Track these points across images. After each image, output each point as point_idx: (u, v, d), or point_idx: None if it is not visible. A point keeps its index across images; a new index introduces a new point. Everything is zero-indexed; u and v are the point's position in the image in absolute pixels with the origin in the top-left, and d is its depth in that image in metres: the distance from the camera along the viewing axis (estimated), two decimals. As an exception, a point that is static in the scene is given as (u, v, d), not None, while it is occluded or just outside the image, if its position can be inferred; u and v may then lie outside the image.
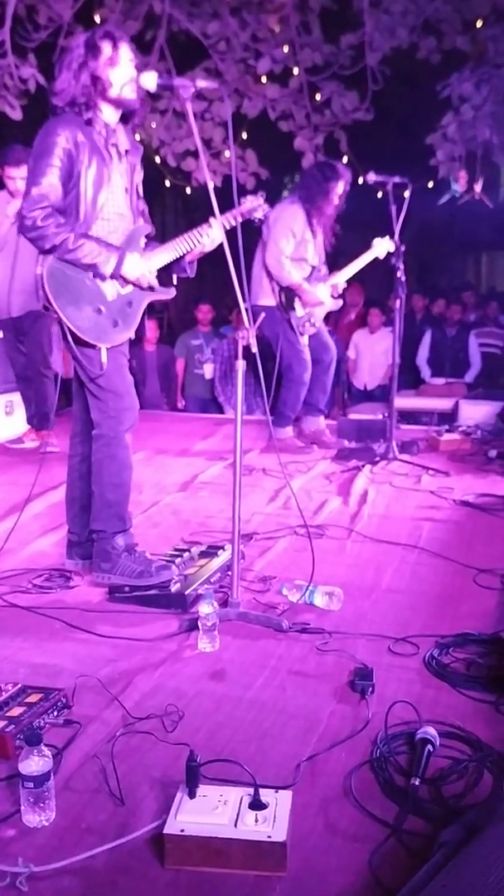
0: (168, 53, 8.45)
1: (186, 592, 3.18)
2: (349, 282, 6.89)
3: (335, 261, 6.24)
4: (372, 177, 5.63)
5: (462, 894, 1.23)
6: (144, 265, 3.27)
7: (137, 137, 8.56)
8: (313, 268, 5.97)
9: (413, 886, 1.45)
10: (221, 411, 8.39)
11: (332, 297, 6.04)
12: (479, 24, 8.21)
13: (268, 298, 5.89)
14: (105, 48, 3.14)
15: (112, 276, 3.20)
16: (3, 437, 6.33)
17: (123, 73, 3.18)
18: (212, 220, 3.30)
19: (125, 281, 3.26)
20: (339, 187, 5.80)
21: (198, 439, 6.51)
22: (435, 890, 1.36)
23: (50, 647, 2.85)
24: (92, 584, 3.41)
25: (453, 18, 8.21)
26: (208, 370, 8.63)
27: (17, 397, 6.45)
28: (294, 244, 5.81)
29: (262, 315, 3.08)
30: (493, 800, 1.73)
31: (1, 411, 6.45)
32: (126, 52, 3.17)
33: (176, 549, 3.61)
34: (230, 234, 3.28)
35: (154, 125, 8.75)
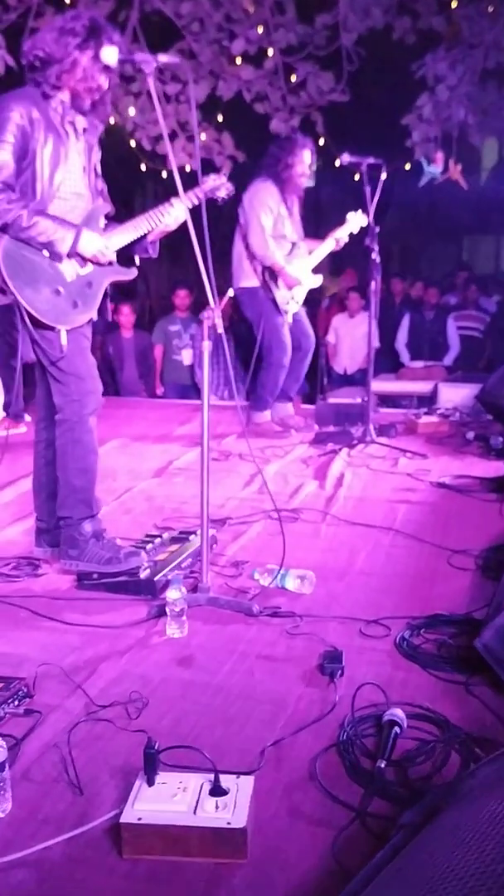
0: (141, 34, 8.35)
1: (156, 578, 3.13)
2: (344, 267, 6.83)
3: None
4: (346, 157, 5.59)
5: (418, 876, 1.19)
6: (102, 241, 3.20)
7: (112, 121, 8.56)
8: (293, 244, 5.91)
9: (371, 869, 1.41)
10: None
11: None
12: (453, 4, 8.16)
13: (249, 280, 5.84)
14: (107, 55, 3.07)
15: (69, 255, 3.13)
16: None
17: (90, 79, 3.11)
18: (174, 199, 3.24)
19: (83, 259, 3.19)
20: (303, 157, 5.77)
21: (175, 425, 6.45)
22: (391, 872, 1.32)
23: (14, 637, 2.80)
24: (60, 571, 3.36)
25: (428, -2, 8.16)
26: (187, 356, 8.56)
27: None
28: (273, 220, 5.76)
29: (228, 294, 3.02)
30: (454, 782, 1.69)
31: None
32: (108, 55, 3.09)
33: (147, 536, 3.56)
34: (196, 214, 3.22)
35: (130, 110, 8.65)
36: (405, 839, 1.45)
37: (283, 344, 5.90)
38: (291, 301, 5.90)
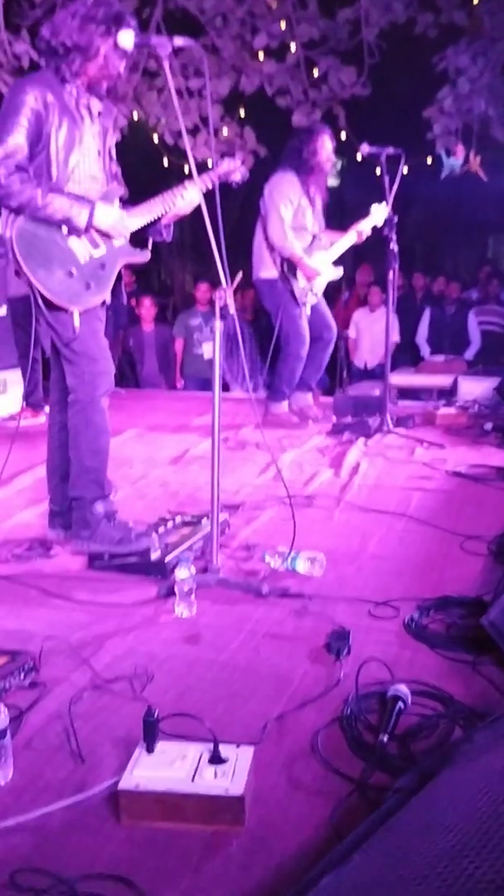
0: (164, 30, 8.36)
1: (167, 559, 3.13)
2: (359, 262, 6.78)
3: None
4: (365, 148, 5.59)
5: (410, 831, 1.18)
6: (117, 213, 3.21)
7: (135, 116, 8.58)
8: (314, 236, 5.91)
9: (363, 829, 1.41)
10: (227, 389, 8.34)
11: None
12: (475, -2, 8.12)
13: (269, 271, 5.85)
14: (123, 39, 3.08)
15: (86, 229, 3.14)
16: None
17: (110, 66, 3.12)
18: (187, 182, 3.25)
19: (99, 232, 3.20)
20: (325, 143, 5.77)
21: (193, 416, 6.46)
22: (384, 831, 1.31)
23: (24, 614, 2.81)
24: (72, 552, 3.37)
25: (450, -8, 8.12)
26: (207, 350, 8.56)
27: (10, 375, 6.42)
28: (293, 211, 5.75)
29: (240, 274, 3.02)
30: (450, 746, 1.68)
31: (-5, 389, 6.42)
32: (124, 39, 3.08)
33: (160, 519, 3.56)
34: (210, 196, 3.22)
35: (153, 105, 8.68)
36: (399, 802, 1.44)
37: (301, 335, 5.89)
38: (310, 293, 5.89)
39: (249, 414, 5.98)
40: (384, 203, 5.79)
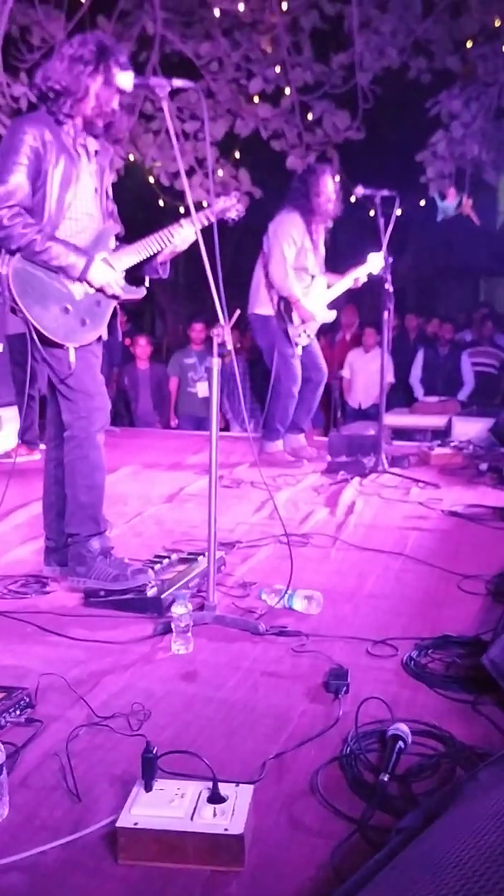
0: (160, 74, 8.49)
1: (163, 596, 3.11)
2: (345, 303, 6.83)
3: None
4: (360, 190, 5.65)
5: (417, 870, 1.16)
6: (112, 273, 3.24)
7: (131, 157, 8.69)
8: (313, 277, 5.95)
9: (367, 869, 1.38)
10: (227, 428, 8.36)
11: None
12: (468, 44, 8.27)
13: (265, 307, 5.89)
14: (114, 77, 3.12)
15: (79, 279, 3.17)
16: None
17: (103, 103, 3.15)
18: (183, 220, 3.28)
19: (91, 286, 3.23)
20: (327, 183, 5.82)
21: (188, 454, 6.46)
22: (389, 871, 1.29)
23: (19, 650, 2.79)
24: (68, 589, 3.35)
25: (443, 38, 8.28)
26: (202, 388, 8.59)
27: (6, 413, 6.42)
28: (295, 251, 5.80)
29: (237, 312, 3.03)
30: (454, 786, 1.66)
31: (-10, 426, 6.41)
32: (123, 80, 3.12)
33: (156, 556, 3.55)
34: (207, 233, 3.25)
35: (149, 146, 8.79)
36: (403, 842, 1.42)
37: (293, 374, 5.92)
38: (303, 334, 5.93)
39: (245, 452, 6.00)
40: (381, 252, 5.81)
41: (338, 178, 8.50)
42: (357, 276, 6.01)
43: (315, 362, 6.12)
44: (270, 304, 5.86)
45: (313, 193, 5.79)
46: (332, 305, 6.15)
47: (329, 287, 6.04)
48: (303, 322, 5.88)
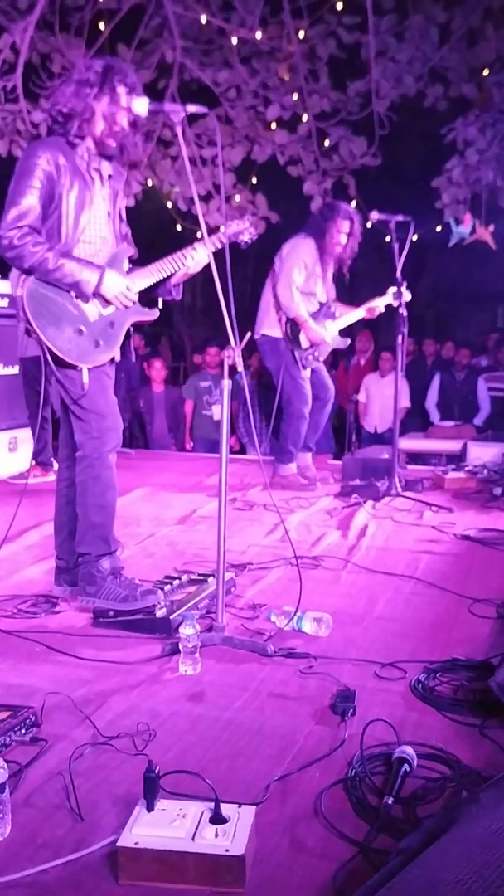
0: (179, 101, 8.59)
1: (171, 617, 3.11)
2: (360, 328, 6.85)
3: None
4: (375, 215, 5.67)
5: (414, 886, 1.15)
6: (124, 283, 3.26)
7: (149, 183, 8.78)
8: (321, 304, 5.97)
9: (365, 890, 1.37)
10: (243, 451, 8.37)
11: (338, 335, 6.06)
12: (485, 72, 8.32)
13: (273, 329, 5.92)
14: (120, 97, 3.17)
15: (94, 294, 3.20)
16: (6, 472, 6.32)
17: (111, 123, 3.20)
18: (197, 243, 3.31)
19: (104, 300, 3.25)
20: (343, 226, 5.81)
21: (202, 476, 6.47)
22: (385, 893, 1.28)
23: (27, 669, 2.79)
24: (78, 609, 3.35)
25: (459, 66, 8.33)
26: (217, 412, 8.60)
27: (21, 434, 6.46)
28: (305, 276, 5.83)
29: (248, 335, 3.05)
30: (455, 806, 1.65)
31: (4, 448, 6.45)
32: (139, 105, 3.16)
33: (166, 577, 3.55)
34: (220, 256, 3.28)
35: (167, 172, 8.88)
36: (403, 863, 1.41)
37: (304, 395, 5.94)
38: (311, 357, 5.94)
39: (258, 475, 6.00)
40: (402, 288, 5.78)
41: (354, 203, 8.60)
42: (373, 306, 6.02)
43: (322, 381, 6.13)
44: (279, 326, 5.88)
45: (327, 229, 5.80)
46: (346, 332, 6.17)
47: (342, 315, 6.06)
48: (312, 345, 5.89)
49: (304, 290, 5.87)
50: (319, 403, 6.11)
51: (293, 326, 5.83)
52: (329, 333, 5.97)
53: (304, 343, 5.87)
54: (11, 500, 5.41)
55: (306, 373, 5.96)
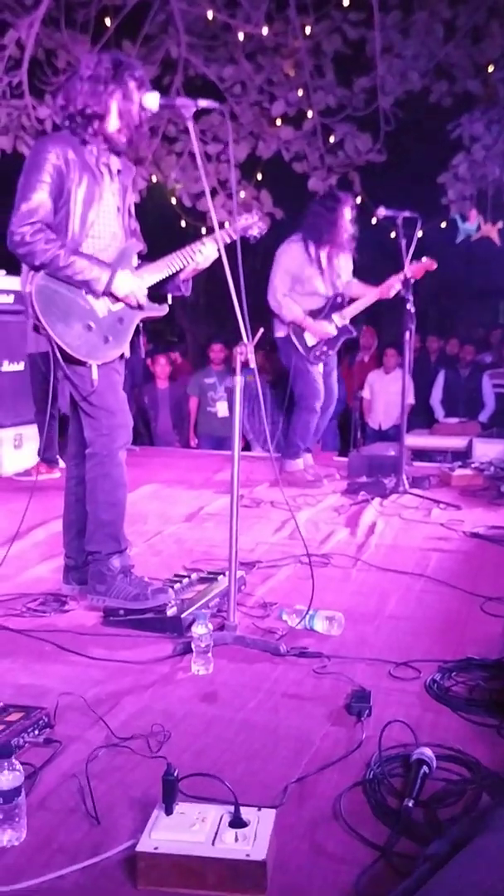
0: (184, 96, 8.54)
1: (182, 616, 3.08)
2: (364, 324, 6.79)
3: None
4: (382, 211, 5.63)
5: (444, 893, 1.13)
6: (135, 282, 3.24)
7: (154, 179, 8.74)
8: (327, 298, 5.93)
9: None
10: (248, 449, 8.34)
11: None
12: (490, 68, 8.28)
13: (279, 330, 5.94)
14: (132, 92, 3.14)
15: (104, 293, 3.17)
16: (12, 469, 6.29)
17: (126, 118, 3.17)
18: (205, 238, 3.28)
19: (115, 298, 3.22)
20: (346, 213, 5.80)
21: (209, 473, 6.44)
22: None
23: (38, 669, 2.76)
24: (87, 608, 3.33)
25: (465, 62, 8.29)
26: (222, 408, 8.59)
27: (26, 430, 6.43)
28: (290, 282, 5.82)
29: (261, 331, 3.02)
30: (483, 812, 1.62)
31: (10, 444, 6.42)
32: (150, 100, 3.12)
33: (176, 575, 3.52)
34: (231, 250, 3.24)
35: (172, 168, 8.84)
36: (432, 870, 1.38)
37: (315, 389, 5.93)
38: (320, 353, 5.91)
39: (265, 472, 5.98)
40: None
41: (359, 199, 8.56)
42: (388, 285, 5.93)
43: (327, 384, 6.10)
44: (284, 327, 5.89)
45: (328, 222, 5.77)
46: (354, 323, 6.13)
47: (351, 301, 6.02)
48: (317, 339, 5.87)
49: (302, 291, 5.85)
50: (322, 407, 6.08)
51: (296, 326, 5.83)
52: (335, 326, 5.93)
53: (311, 340, 5.85)
54: (16, 496, 5.41)
55: (319, 368, 5.94)
